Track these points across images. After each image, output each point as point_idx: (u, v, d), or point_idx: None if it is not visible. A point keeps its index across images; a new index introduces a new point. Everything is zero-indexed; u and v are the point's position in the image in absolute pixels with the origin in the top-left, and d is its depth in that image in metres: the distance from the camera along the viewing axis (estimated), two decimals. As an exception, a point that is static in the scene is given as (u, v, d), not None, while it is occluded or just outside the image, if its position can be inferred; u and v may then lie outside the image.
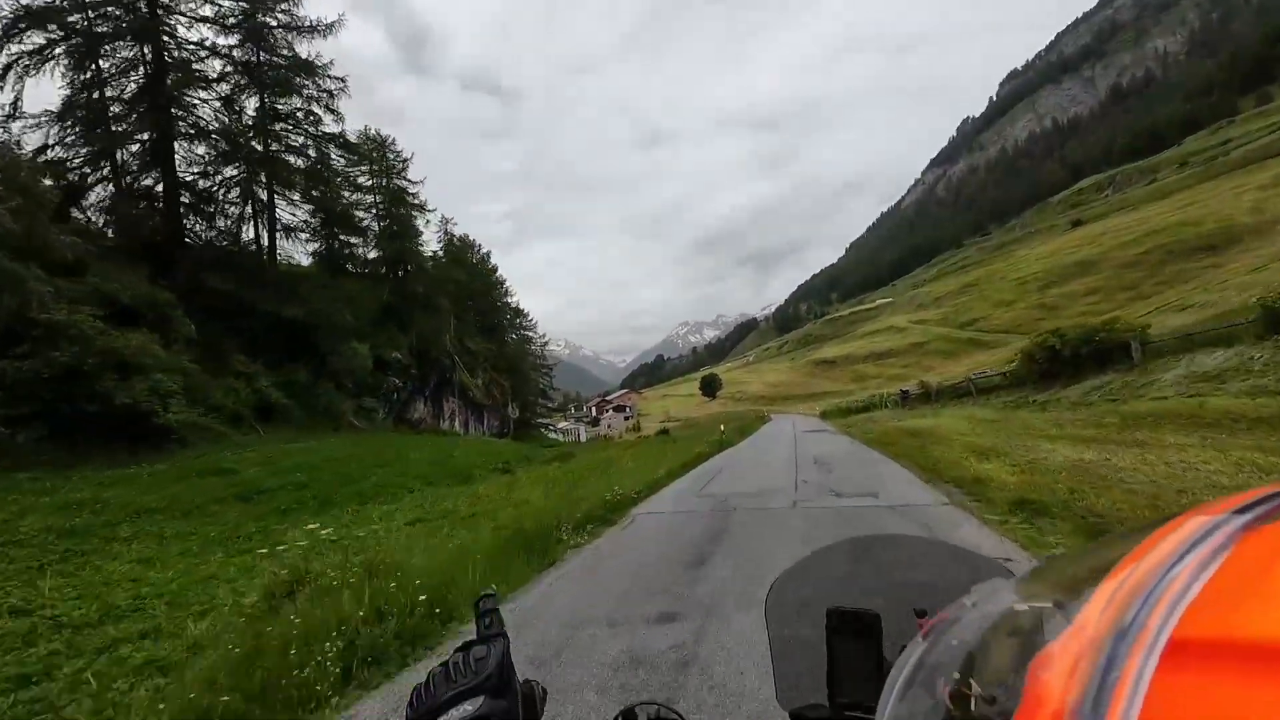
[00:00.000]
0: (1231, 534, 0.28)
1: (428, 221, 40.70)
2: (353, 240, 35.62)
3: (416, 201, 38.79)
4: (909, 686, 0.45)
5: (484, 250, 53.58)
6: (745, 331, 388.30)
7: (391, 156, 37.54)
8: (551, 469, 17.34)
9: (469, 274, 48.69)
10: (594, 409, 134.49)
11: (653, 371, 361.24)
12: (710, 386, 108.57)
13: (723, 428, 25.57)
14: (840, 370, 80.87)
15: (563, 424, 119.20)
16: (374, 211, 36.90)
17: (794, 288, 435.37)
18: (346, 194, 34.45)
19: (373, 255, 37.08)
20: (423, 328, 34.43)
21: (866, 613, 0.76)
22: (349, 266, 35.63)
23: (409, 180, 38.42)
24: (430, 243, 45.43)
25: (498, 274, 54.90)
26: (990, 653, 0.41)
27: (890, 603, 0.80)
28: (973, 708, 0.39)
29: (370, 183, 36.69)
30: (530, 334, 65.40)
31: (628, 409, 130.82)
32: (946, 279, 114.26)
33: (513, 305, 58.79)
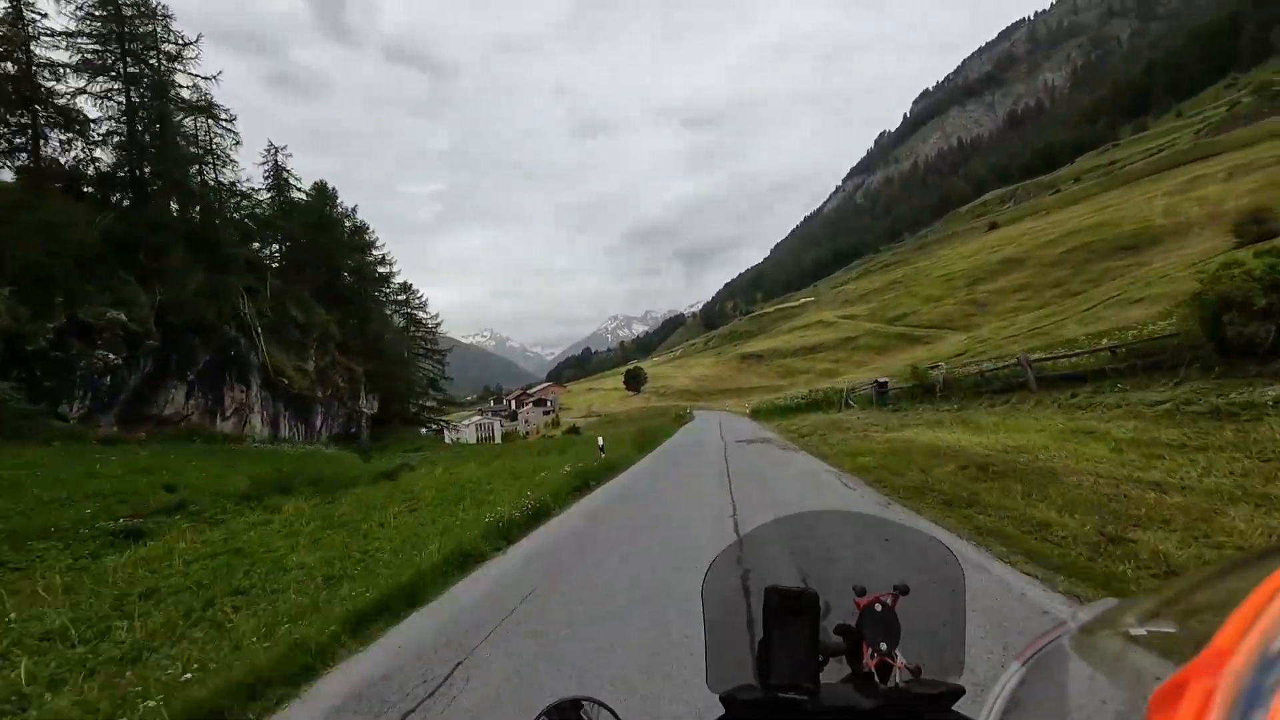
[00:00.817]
0: None
1: (237, 143, 30.28)
2: (64, 137, 24.16)
3: (202, 102, 28.44)
4: (1011, 713, 0.41)
5: (349, 206, 44.56)
6: (673, 327, 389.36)
7: (148, 26, 25.98)
8: (286, 516, 10.25)
9: (318, 227, 39.69)
10: (513, 402, 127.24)
11: (579, 364, 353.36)
12: (635, 380, 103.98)
13: (601, 441, 16.15)
14: (768, 365, 78.93)
15: (475, 418, 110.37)
16: (117, 103, 25.43)
17: (722, 285, 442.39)
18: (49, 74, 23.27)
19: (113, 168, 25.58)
20: (186, 283, 23.38)
21: (805, 591, 0.74)
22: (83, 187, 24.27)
23: (186, 70, 27.49)
24: (253, 178, 36.74)
25: (368, 235, 46.39)
26: (1102, 681, 0.38)
27: (830, 580, 0.80)
28: None
29: (101, 56, 24.93)
30: (420, 314, 57.04)
31: (549, 403, 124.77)
32: (871, 277, 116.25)
33: (386, 273, 49.81)
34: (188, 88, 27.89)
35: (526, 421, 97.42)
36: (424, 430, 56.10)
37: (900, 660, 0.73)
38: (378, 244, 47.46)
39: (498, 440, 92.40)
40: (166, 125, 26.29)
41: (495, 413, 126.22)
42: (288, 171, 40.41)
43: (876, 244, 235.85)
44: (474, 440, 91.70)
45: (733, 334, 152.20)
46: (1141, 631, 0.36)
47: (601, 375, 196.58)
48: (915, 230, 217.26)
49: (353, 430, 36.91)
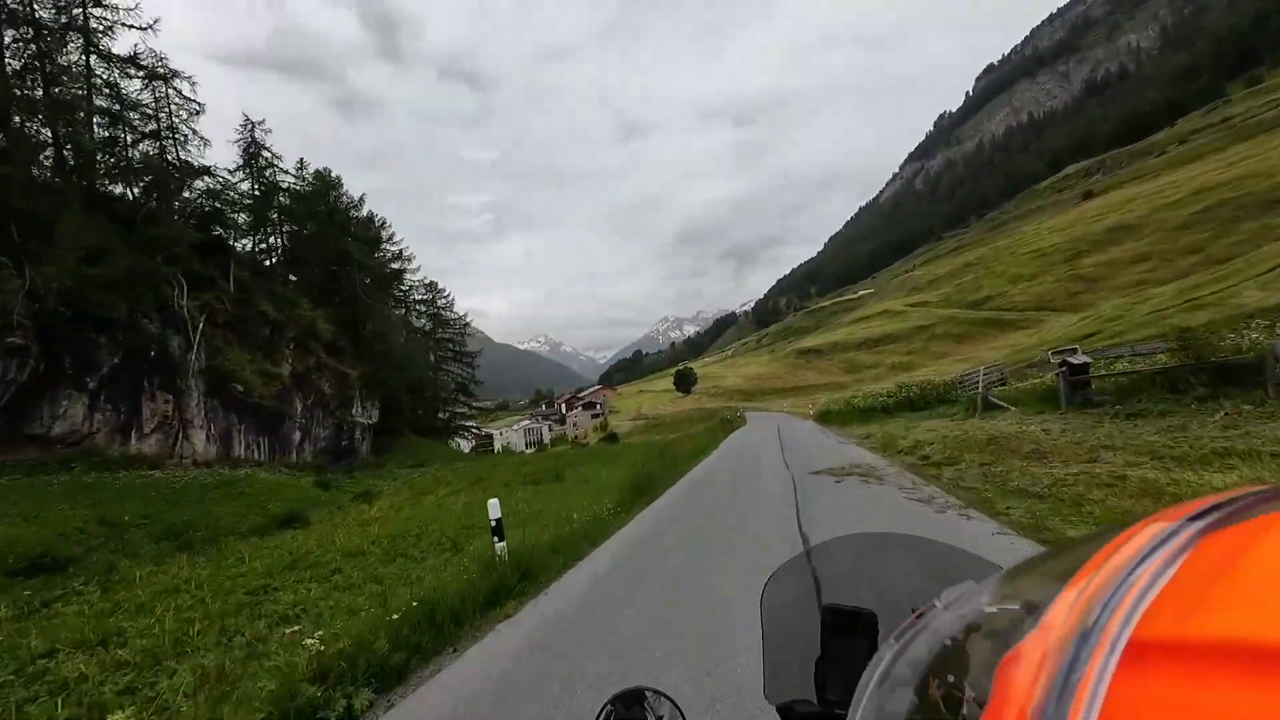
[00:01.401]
0: (1188, 539, 0.29)
1: (198, 112, 27.08)
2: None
3: (161, 68, 25.53)
4: (880, 686, 0.45)
5: (355, 196, 41.36)
6: (724, 326, 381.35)
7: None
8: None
9: (319, 218, 36.52)
10: (563, 406, 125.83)
11: (630, 367, 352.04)
12: (685, 382, 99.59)
13: (496, 515, 12.81)
14: (829, 360, 72.24)
15: (524, 423, 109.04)
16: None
17: (773, 283, 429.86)
18: None
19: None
20: (85, 266, 18.87)
21: (862, 611, 0.74)
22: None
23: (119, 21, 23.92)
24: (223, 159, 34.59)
25: (383, 229, 43.97)
26: (960, 654, 0.42)
27: (888, 602, 0.79)
28: (942, 708, 0.39)
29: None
30: (447, 314, 53.93)
31: (598, 405, 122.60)
32: (939, 262, 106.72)
33: (400, 269, 46.82)
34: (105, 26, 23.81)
35: (575, 425, 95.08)
36: (455, 440, 53.51)
37: (969, 693, 0.63)
38: (395, 240, 45.26)
39: (546, 441, 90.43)
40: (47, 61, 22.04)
41: (546, 416, 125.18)
42: (268, 150, 35.56)
43: (939, 230, 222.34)
44: (523, 445, 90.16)
45: (787, 330, 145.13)
46: (994, 609, 0.40)
47: (652, 377, 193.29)
48: (982, 213, 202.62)
49: (345, 443, 32.02)
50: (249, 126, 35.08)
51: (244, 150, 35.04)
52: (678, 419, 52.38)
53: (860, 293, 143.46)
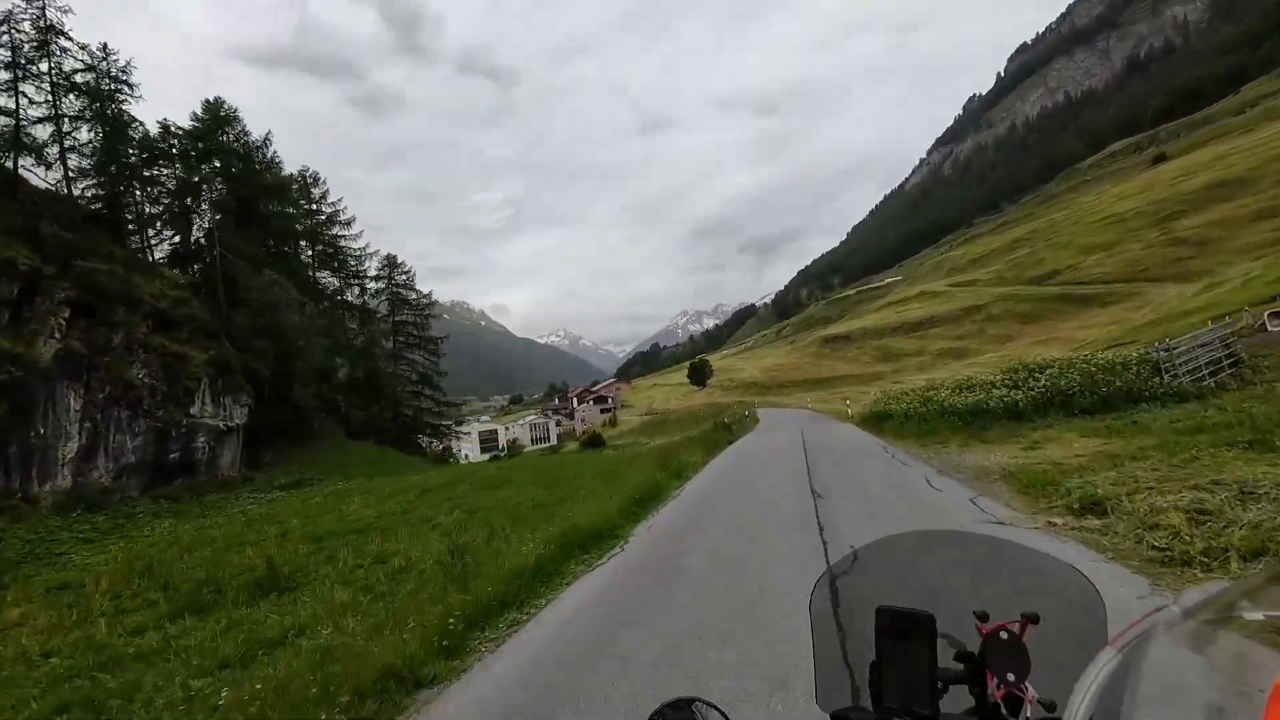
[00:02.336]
0: None
1: None
2: None
3: None
4: (1102, 696, 0.40)
5: (272, 145, 35.08)
6: (743, 318, 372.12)
7: None
8: None
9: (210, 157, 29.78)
10: (574, 400, 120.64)
11: (648, 360, 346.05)
12: (699, 374, 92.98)
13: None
14: (858, 348, 64.67)
15: (530, 418, 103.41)
16: None
17: (794, 275, 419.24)
18: None
19: None
20: None
21: (919, 613, 0.71)
22: None
23: None
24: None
25: (315, 184, 38.73)
26: (1211, 666, 0.36)
27: (946, 603, 0.76)
28: None
29: None
30: (408, 293, 46.61)
31: (610, 399, 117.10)
32: (981, 241, 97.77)
33: (335, 236, 40.31)
34: None
35: (582, 420, 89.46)
36: (435, 442, 47.08)
37: (1031, 693, 0.65)
38: (329, 200, 38.97)
39: (553, 439, 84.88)
40: None
41: (556, 411, 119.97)
42: (60, 32, 25.52)
43: (970, 215, 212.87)
44: (529, 441, 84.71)
45: (809, 320, 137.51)
46: (1258, 615, 0.33)
47: (668, 370, 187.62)
48: (1016, 197, 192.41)
49: (177, 455, 23.34)
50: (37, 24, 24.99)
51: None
52: (684, 416, 46.31)
53: (888, 280, 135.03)
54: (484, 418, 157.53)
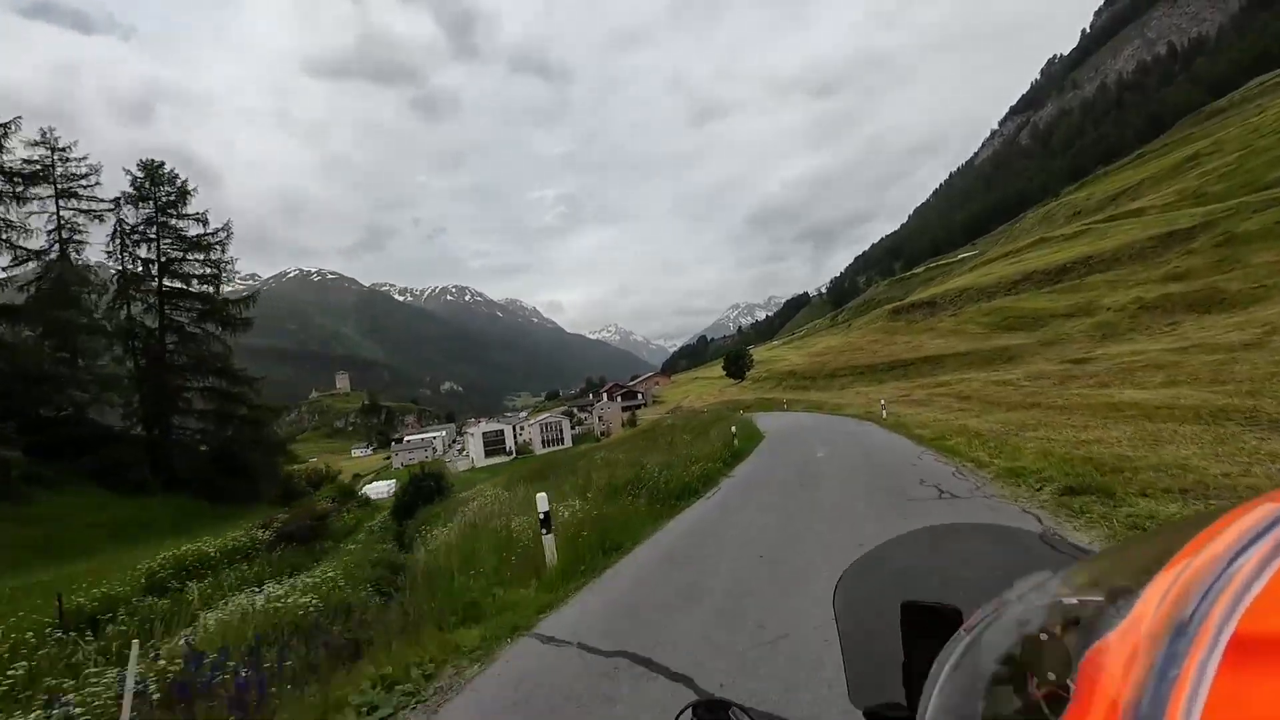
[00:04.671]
0: None
1: None
2: None
3: None
4: (951, 680, 0.43)
5: None
6: (796, 308, 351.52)
7: None
8: None
9: None
10: (605, 395, 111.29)
11: (694, 354, 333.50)
12: (737, 366, 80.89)
13: None
14: (954, 314, 43.55)
15: (542, 417, 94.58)
16: None
17: (851, 261, 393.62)
18: None
19: None
20: None
21: (945, 607, 0.70)
22: None
23: None
24: None
25: None
26: (1038, 648, 0.39)
27: (972, 596, 0.71)
28: (1018, 703, 0.37)
29: None
30: (186, 230, 30.90)
31: (641, 395, 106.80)
32: (1118, 176, 77.34)
33: None
34: None
35: (600, 419, 79.50)
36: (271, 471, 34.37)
37: (1049, 689, 0.59)
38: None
39: (565, 442, 75.36)
40: None
41: (581, 408, 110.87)
42: None
43: (1054, 186, 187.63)
44: (539, 444, 75.59)
45: (869, 303, 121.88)
46: (1074, 601, 0.37)
47: (712, 364, 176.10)
48: (1111, 160, 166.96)
49: None
50: None
51: None
52: (691, 415, 34.77)
53: (961, 255, 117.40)
54: (522, 413, 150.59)
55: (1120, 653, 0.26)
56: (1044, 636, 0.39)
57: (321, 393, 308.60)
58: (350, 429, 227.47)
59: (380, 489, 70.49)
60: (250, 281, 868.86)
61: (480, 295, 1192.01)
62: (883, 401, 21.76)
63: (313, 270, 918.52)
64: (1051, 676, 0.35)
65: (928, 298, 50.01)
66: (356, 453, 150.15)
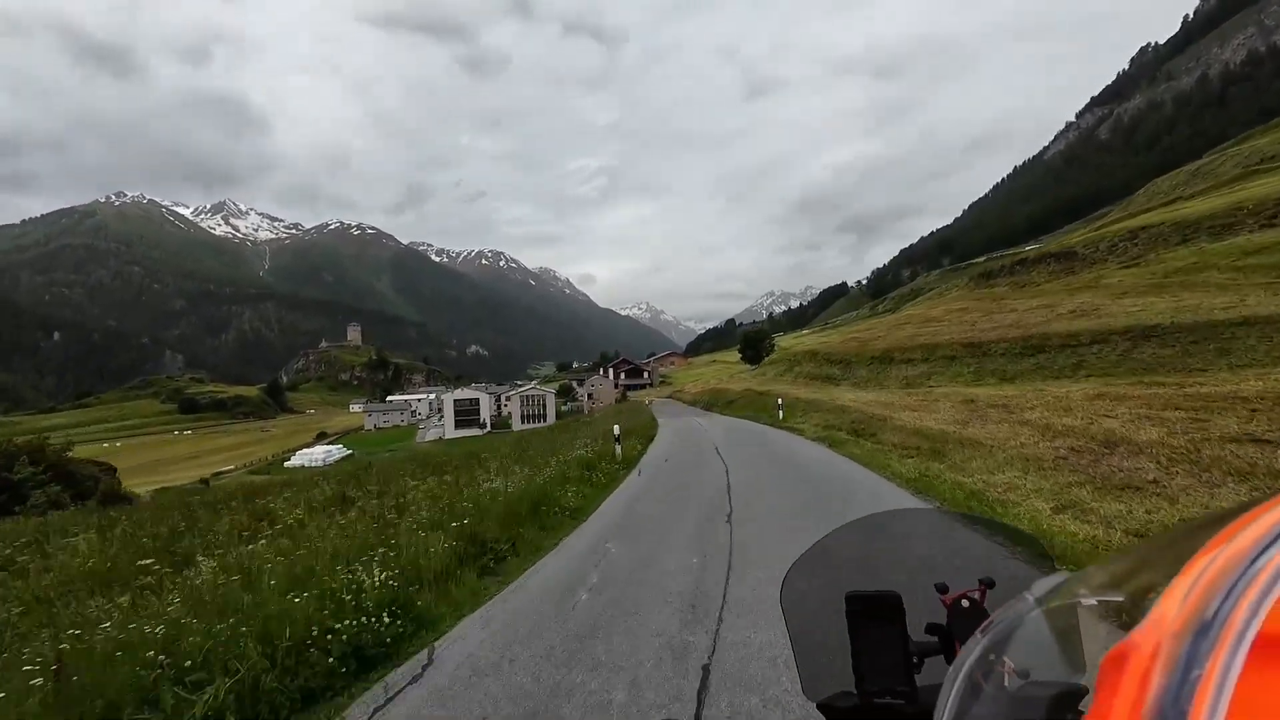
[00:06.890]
0: None
1: None
2: None
3: None
4: (969, 680, 0.42)
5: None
6: (833, 297, 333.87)
7: None
8: None
9: None
10: (610, 371, 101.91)
11: (720, 336, 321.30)
12: (754, 348, 70.03)
13: None
14: (1079, 275, 27.83)
15: (526, 388, 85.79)
16: None
17: (898, 253, 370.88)
18: None
19: None
20: None
21: (887, 594, 0.72)
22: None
23: None
24: None
25: None
26: (1058, 649, 0.39)
27: (909, 581, 0.79)
28: (1038, 706, 0.36)
29: None
30: None
31: (646, 374, 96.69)
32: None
33: None
34: None
35: (590, 398, 70.31)
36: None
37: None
38: None
39: (549, 419, 66.57)
40: None
41: (580, 382, 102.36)
42: None
43: (1138, 183, 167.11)
44: (519, 419, 67.03)
45: (916, 292, 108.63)
46: (1093, 601, 0.37)
47: (731, 348, 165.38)
48: (1199, 157, 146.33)
49: None
50: None
51: None
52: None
53: (1028, 248, 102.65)
54: (534, 382, 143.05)
55: (1142, 653, 0.25)
56: (1064, 637, 0.38)
57: (331, 343, 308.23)
58: (355, 383, 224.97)
59: (315, 455, 62.61)
60: (294, 231, 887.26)
61: (516, 262, 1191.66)
62: (1000, 427, 9.47)
63: (353, 224, 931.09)
64: (1072, 677, 0.34)
65: (1057, 249, 34.41)
66: (355, 407, 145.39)
